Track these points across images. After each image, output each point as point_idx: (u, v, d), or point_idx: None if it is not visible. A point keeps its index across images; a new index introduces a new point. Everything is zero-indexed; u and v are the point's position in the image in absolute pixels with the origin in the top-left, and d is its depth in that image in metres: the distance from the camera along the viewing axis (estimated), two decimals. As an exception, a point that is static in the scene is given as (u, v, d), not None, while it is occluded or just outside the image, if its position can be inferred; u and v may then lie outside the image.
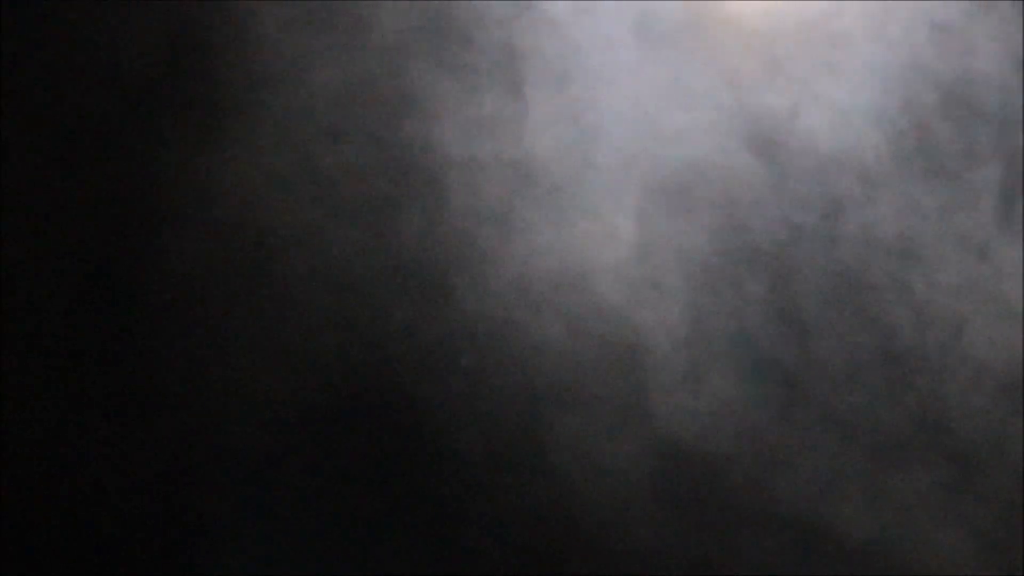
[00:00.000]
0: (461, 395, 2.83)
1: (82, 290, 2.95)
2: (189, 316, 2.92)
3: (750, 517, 2.71)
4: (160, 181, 2.94)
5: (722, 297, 2.73)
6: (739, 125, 2.72)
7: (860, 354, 2.68)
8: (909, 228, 2.66)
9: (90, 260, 2.96)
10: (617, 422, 2.78)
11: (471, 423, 2.82)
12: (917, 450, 2.64)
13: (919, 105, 2.64)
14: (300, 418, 2.88)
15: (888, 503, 2.65)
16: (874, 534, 2.66)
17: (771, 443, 2.70)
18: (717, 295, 2.73)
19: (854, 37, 2.66)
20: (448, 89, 2.83)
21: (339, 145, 2.87)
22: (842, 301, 2.69)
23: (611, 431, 2.78)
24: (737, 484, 2.71)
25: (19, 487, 2.97)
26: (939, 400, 2.64)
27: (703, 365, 2.73)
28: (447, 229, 2.83)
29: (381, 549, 2.85)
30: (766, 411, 2.70)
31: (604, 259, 2.77)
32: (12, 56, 2.97)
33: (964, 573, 2.62)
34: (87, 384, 2.95)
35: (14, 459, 2.96)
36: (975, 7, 2.62)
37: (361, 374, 2.87)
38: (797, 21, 2.69)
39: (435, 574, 2.83)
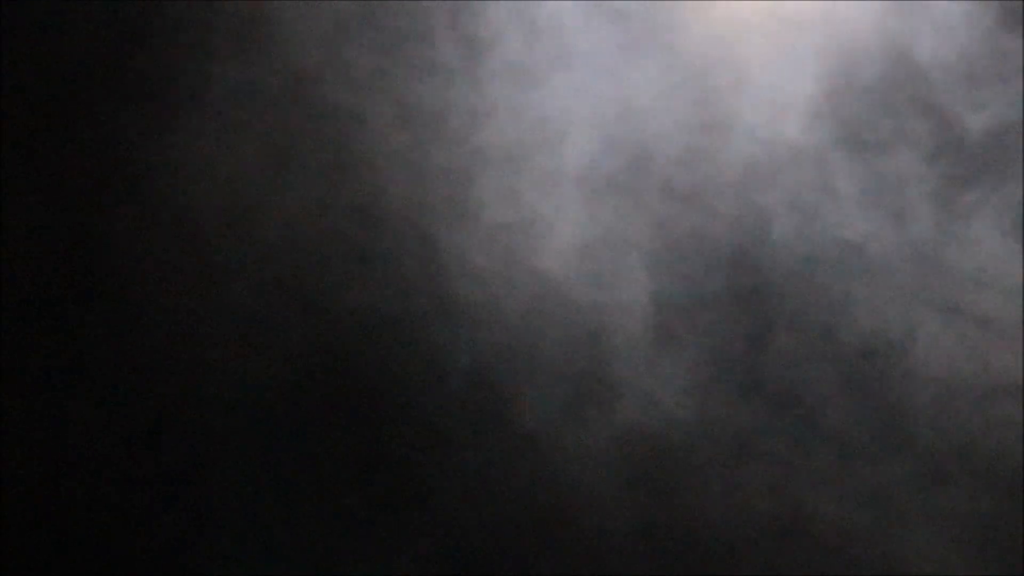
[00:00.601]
0: (416, 374, 2.83)
1: (39, 276, 2.94)
2: (150, 298, 2.91)
3: (716, 501, 2.73)
4: (118, 166, 2.93)
5: (680, 277, 2.73)
6: (692, 112, 2.72)
7: (818, 344, 2.69)
8: (857, 223, 2.66)
9: (49, 245, 2.95)
10: (577, 402, 2.78)
11: (426, 406, 2.82)
12: (878, 438, 2.65)
13: (861, 96, 2.65)
14: (269, 397, 2.86)
15: (854, 493, 2.67)
16: (840, 522, 2.67)
17: (732, 429, 2.70)
18: (674, 277, 2.74)
19: (803, 25, 2.66)
20: (401, 72, 2.83)
21: (289, 135, 2.87)
22: (800, 292, 2.69)
23: (571, 409, 2.78)
24: (700, 468, 2.72)
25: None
26: (901, 391, 2.65)
27: (662, 348, 2.74)
28: (394, 211, 2.82)
29: (352, 520, 2.84)
30: (725, 397, 2.70)
31: (558, 241, 2.77)
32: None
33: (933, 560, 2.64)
34: (49, 367, 2.94)
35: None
36: (921, 5, 2.63)
37: (320, 351, 2.85)
38: (753, 10, 2.69)
39: (405, 544, 2.83)
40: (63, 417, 2.94)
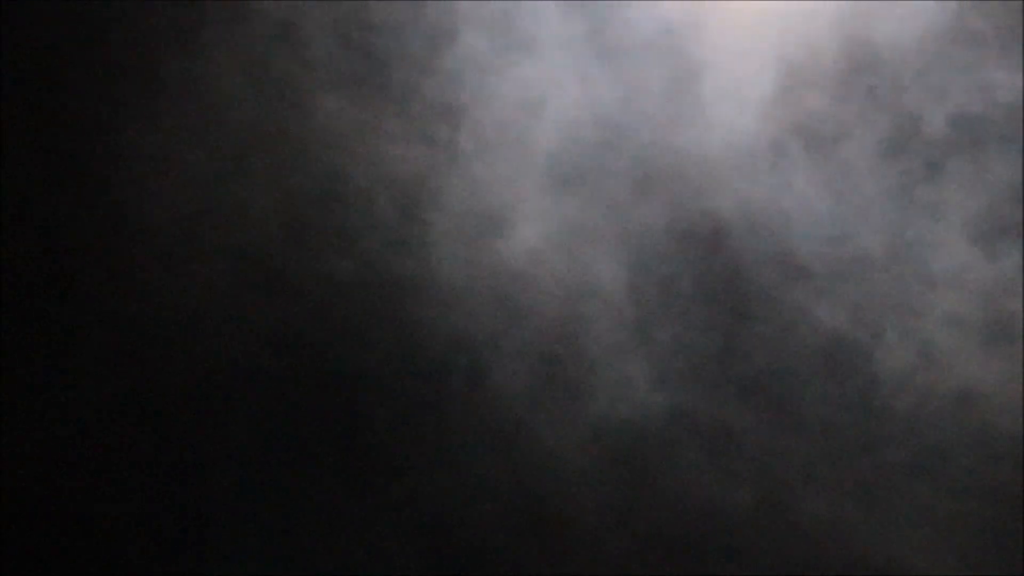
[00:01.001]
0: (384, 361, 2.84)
1: (20, 274, 2.92)
2: (128, 289, 2.90)
3: (692, 489, 2.76)
4: (82, 159, 2.90)
5: (655, 271, 2.75)
6: (659, 105, 2.72)
7: (792, 339, 2.71)
8: (823, 214, 2.68)
9: (21, 239, 2.92)
10: (552, 391, 2.80)
11: (400, 396, 2.83)
12: (855, 427, 2.69)
13: (824, 89, 2.66)
14: (244, 380, 2.87)
15: (832, 480, 2.71)
16: (818, 510, 2.71)
17: (707, 418, 2.73)
18: (647, 267, 2.75)
19: (766, 17, 2.66)
20: (365, 63, 2.81)
21: (251, 126, 2.85)
22: (772, 282, 2.72)
23: (547, 398, 2.80)
24: (677, 456, 2.75)
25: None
26: (874, 379, 2.69)
27: (637, 336, 2.76)
28: (361, 202, 2.82)
29: (327, 502, 2.86)
30: (700, 386, 2.73)
31: (528, 231, 2.77)
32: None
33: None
34: (32, 356, 2.92)
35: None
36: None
37: (294, 336, 2.86)
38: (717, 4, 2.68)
39: (379, 527, 2.85)
40: (40, 407, 2.92)
